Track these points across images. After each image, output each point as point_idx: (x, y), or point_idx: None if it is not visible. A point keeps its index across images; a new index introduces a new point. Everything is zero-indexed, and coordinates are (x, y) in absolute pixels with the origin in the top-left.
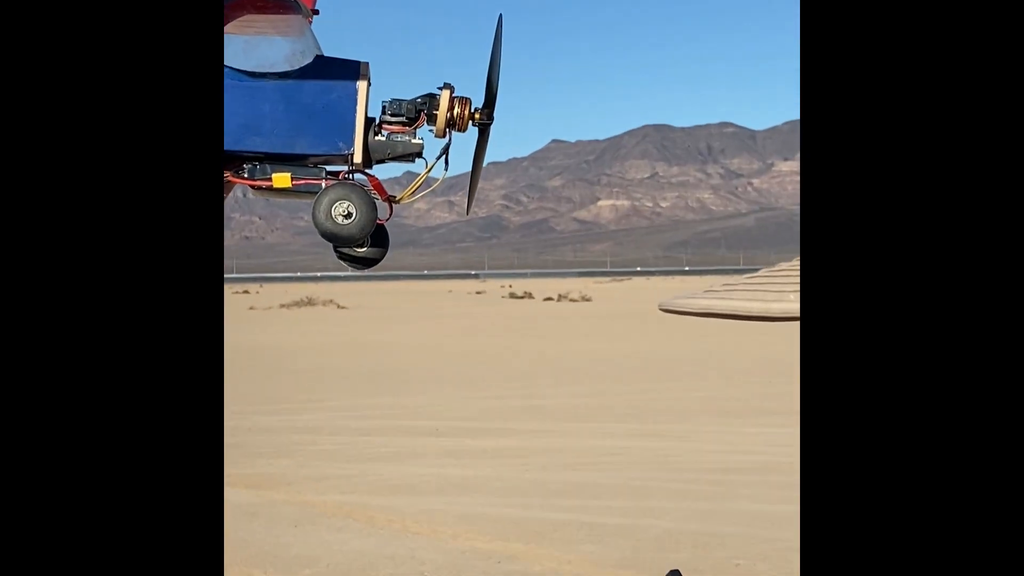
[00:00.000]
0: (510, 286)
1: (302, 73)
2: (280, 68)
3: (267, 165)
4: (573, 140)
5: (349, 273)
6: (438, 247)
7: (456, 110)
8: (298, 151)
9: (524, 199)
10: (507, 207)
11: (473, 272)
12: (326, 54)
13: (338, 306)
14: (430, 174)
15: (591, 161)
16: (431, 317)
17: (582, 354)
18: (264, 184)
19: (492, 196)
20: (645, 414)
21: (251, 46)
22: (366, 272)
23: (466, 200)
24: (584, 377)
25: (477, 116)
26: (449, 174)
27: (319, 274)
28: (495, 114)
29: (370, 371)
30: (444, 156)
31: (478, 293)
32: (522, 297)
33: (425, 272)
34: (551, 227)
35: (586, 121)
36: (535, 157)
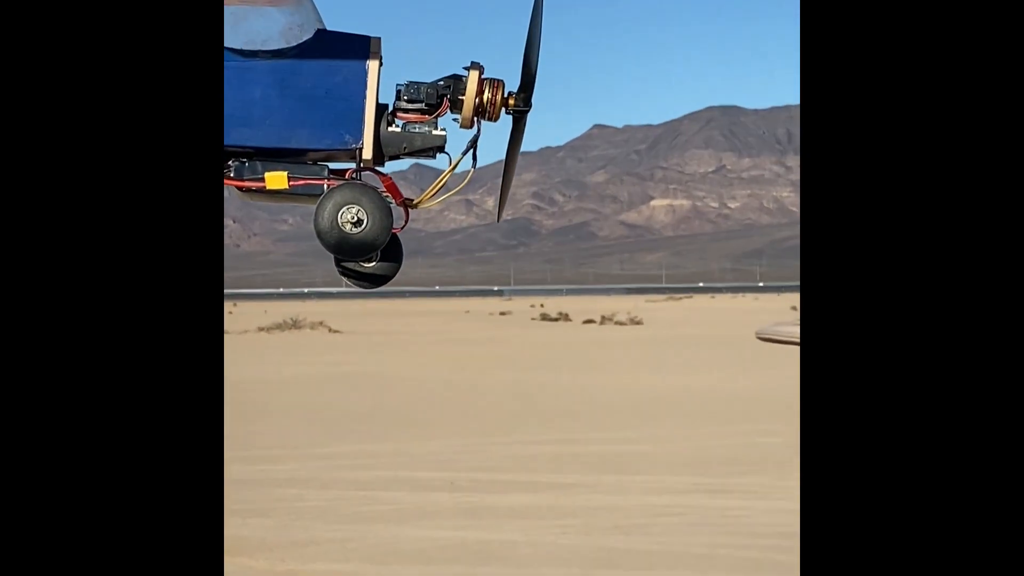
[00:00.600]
0: (542, 305)
1: (300, 51)
2: (274, 45)
3: (258, 162)
4: (620, 125)
5: (345, 289)
6: (453, 257)
7: (486, 95)
8: (295, 145)
9: (559, 198)
10: (538, 208)
11: (496, 288)
12: (329, 28)
13: (330, 329)
14: (454, 172)
15: (642, 151)
16: (444, 343)
17: (631, 390)
18: (255, 185)
19: (520, 194)
20: (709, 464)
21: (238, 18)
22: (364, 292)
23: (495, 202)
24: (633, 419)
25: (511, 102)
26: (466, 170)
27: (306, 290)
28: (533, 99)
29: (369, 410)
30: (472, 150)
31: (502, 314)
32: (556, 319)
33: (437, 288)
34: (592, 233)
35: (636, 102)
36: (573, 146)
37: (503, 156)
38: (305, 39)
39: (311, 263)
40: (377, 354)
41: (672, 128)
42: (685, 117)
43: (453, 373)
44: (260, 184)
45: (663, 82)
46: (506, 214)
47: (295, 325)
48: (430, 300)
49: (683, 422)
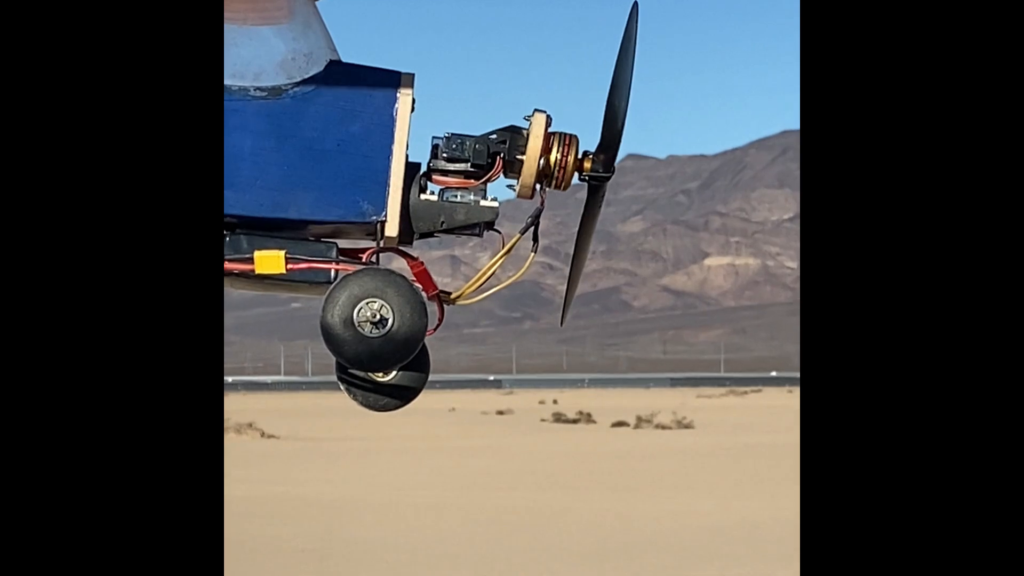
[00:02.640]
0: (555, 401)
1: (306, 89)
2: (270, 80)
3: (244, 236)
4: (663, 155)
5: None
6: (433, 334)
7: (555, 154)
8: (296, 215)
9: None
10: (550, 267)
11: (493, 377)
12: (346, 59)
13: (262, 434)
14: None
15: (693, 192)
16: (417, 454)
17: (679, 521)
18: (240, 268)
19: (525, 249)
20: None
21: (225, 43)
22: (313, 379)
23: (490, 257)
24: (685, 561)
25: (587, 165)
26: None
27: (231, 379)
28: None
29: (317, 548)
30: (533, 227)
31: (501, 413)
32: (576, 421)
33: None
34: (624, 302)
35: (686, 125)
36: None
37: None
38: (313, 72)
39: (237, 341)
40: (330, 470)
41: (734, 160)
42: (752, 145)
43: (428, 496)
44: (247, 267)
45: (723, 99)
46: (505, 276)
47: None
48: None
49: (752, 567)
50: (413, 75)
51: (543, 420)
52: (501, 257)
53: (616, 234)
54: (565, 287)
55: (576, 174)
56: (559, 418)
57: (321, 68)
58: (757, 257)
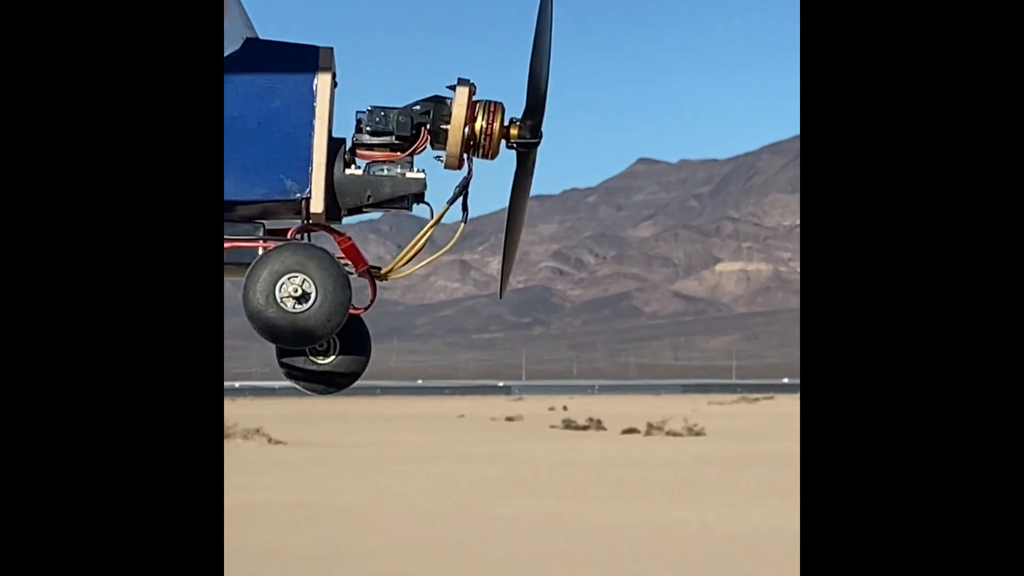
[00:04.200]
0: (565, 408)
1: (224, 68)
2: None
3: None
4: (674, 160)
5: (290, 385)
6: (442, 339)
7: (479, 122)
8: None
9: (590, 259)
10: (560, 273)
11: (502, 383)
12: (263, 36)
13: (269, 439)
14: (438, 226)
15: (705, 196)
16: (426, 461)
17: (691, 530)
18: None
19: (536, 254)
20: None
21: None
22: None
23: (498, 268)
24: (699, 567)
25: (514, 131)
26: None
27: (237, 384)
28: (543, 128)
29: (326, 555)
30: (461, 197)
31: (510, 420)
32: (585, 427)
33: (420, 383)
34: (636, 307)
35: (697, 129)
36: (610, 188)
37: (506, 204)
38: (229, 51)
39: (243, 346)
40: (336, 476)
41: (746, 164)
42: (764, 150)
43: (437, 503)
44: None
45: (734, 102)
46: (517, 280)
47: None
48: (410, 399)
49: (767, 574)
50: (332, 49)
51: (553, 427)
52: (429, 228)
53: (627, 239)
54: (502, 260)
55: (504, 141)
56: (569, 425)
57: (237, 47)
58: (769, 262)
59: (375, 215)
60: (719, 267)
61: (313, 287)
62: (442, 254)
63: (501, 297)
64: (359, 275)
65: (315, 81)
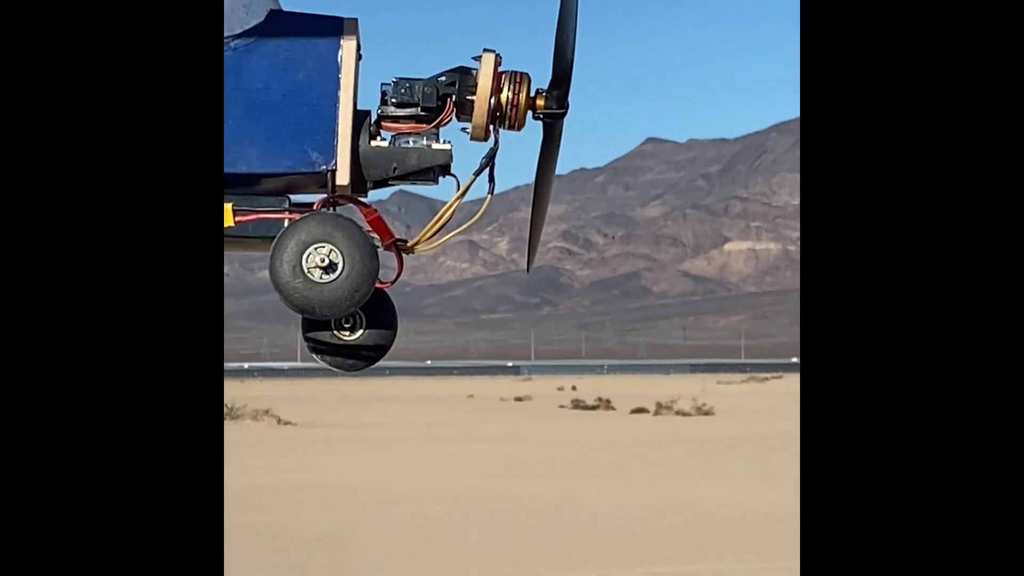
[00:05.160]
0: (574, 388)
1: (247, 40)
2: None
3: None
4: (683, 139)
5: (301, 364)
6: (451, 319)
7: (506, 93)
8: (243, 169)
9: (598, 239)
10: (569, 252)
11: (511, 364)
12: (286, 8)
13: (279, 420)
14: (464, 199)
15: (714, 175)
16: (436, 441)
17: (699, 509)
18: None
19: (544, 234)
20: None
21: None
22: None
23: (520, 244)
24: (704, 548)
25: (540, 102)
26: (468, 200)
27: (247, 365)
28: (569, 99)
29: (334, 536)
30: (488, 169)
31: (520, 400)
32: (595, 407)
33: (429, 363)
34: (644, 287)
35: (705, 109)
36: (618, 168)
37: (530, 180)
38: (254, 23)
39: (253, 327)
40: (345, 456)
41: (755, 144)
42: (773, 129)
43: (447, 483)
44: None
45: (743, 82)
46: (524, 261)
47: (231, 414)
48: (419, 380)
49: (773, 554)
50: (356, 20)
51: (562, 407)
52: (456, 200)
53: (635, 219)
54: (529, 238)
55: (530, 112)
56: (578, 405)
57: (261, 19)
58: (778, 242)
59: (384, 195)
60: (728, 246)
61: (340, 257)
62: (470, 225)
63: (528, 271)
64: (385, 248)
65: (340, 52)
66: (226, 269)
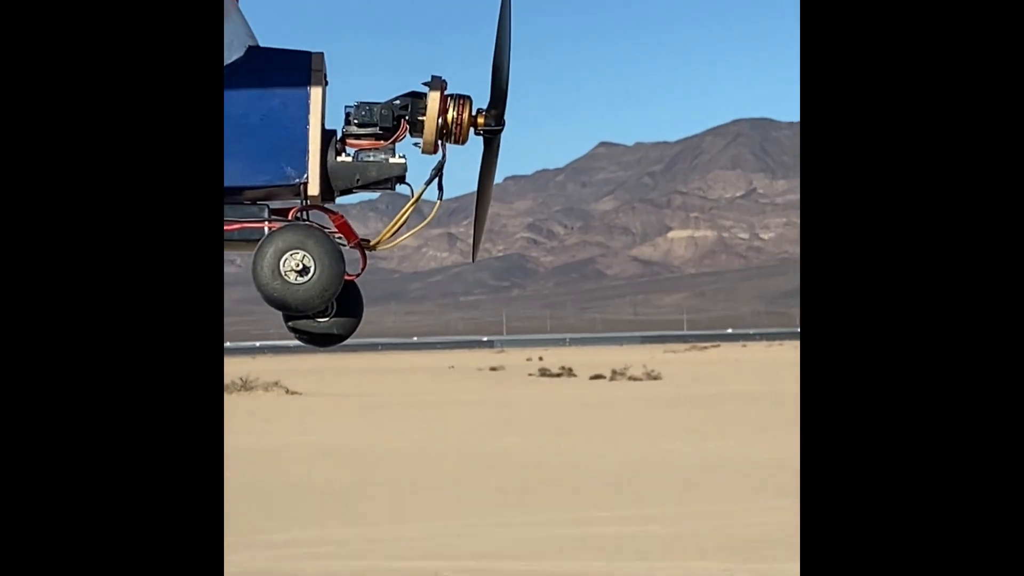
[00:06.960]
0: (540, 358)
1: (229, 72)
2: None
3: None
4: (630, 143)
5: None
6: (433, 301)
7: (451, 113)
8: (229, 183)
9: (559, 230)
10: (534, 242)
11: (486, 339)
12: (262, 44)
13: (287, 391)
14: (418, 203)
15: (657, 173)
16: (424, 407)
17: (649, 459)
18: None
19: (512, 226)
20: (744, 547)
21: None
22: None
23: (497, 240)
24: (653, 493)
25: (481, 120)
26: (448, 198)
27: (258, 344)
28: (506, 117)
29: (334, 488)
30: (437, 178)
31: (494, 370)
32: (559, 375)
33: (415, 339)
34: (599, 271)
35: (650, 115)
36: (576, 168)
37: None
38: (234, 58)
39: (262, 312)
40: (345, 420)
41: (692, 146)
42: (708, 132)
43: (435, 441)
44: None
45: (681, 92)
46: (496, 249)
47: (246, 386)
48: (407, 354)
49: (712, 497)
50: (323, 54)
51: (531, 375)
52: (410, 206)
53: (591, 212)
54: (473, 232)
55: (472, 129)
56: (545, 373)
57: (242, 54)
58: (714, 230)
59: (373, 196)
60: (671, 234)
61: (312, 262)
62: (423, 227)
63: (473, 261)
64: (351, 247)
65: (309, 81)
66: (238, 262)
